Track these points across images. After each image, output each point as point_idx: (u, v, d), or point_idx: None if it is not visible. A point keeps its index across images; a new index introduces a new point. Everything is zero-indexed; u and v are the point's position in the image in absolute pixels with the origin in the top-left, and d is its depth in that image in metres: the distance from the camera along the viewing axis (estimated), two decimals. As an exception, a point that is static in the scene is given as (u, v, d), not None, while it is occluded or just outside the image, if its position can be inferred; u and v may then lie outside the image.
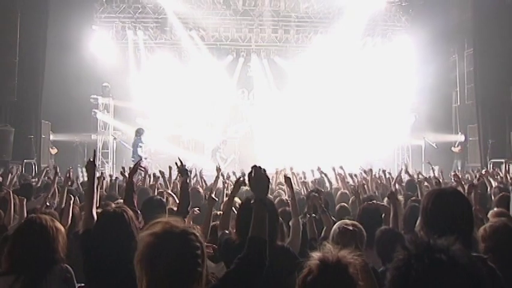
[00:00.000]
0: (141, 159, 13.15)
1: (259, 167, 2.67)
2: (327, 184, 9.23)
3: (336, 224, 3.85)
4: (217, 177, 8.23)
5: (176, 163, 4.79)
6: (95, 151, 4.51)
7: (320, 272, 2.06)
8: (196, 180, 9.53)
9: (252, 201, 2.60)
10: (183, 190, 4.59)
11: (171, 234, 2.03)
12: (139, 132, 14.93)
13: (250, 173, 2.65)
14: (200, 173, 10.00)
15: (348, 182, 9.14)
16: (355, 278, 2.09)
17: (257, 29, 19.25)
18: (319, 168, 10.21)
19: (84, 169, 16.86)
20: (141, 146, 14.79)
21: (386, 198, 6.04)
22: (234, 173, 9.88)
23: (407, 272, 1.40)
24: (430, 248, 1.43)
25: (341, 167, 9.95)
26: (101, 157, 18.43)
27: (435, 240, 1.45)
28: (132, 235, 3.31)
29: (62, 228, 3.48)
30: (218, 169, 8.79)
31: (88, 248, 3.45)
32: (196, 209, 5.14)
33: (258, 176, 2.62)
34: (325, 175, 9.64)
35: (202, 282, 2.07)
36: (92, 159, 4.04)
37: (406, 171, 10.18)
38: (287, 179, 4.81)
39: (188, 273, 2.03)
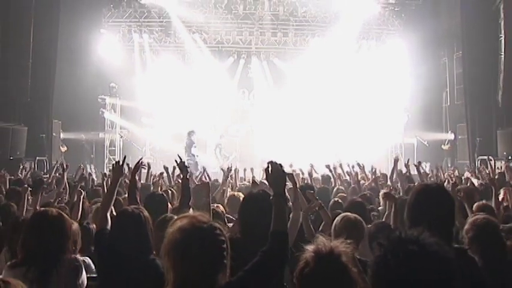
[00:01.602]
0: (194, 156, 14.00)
1: (276, 162, 2.66)
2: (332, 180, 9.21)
3: (339, 216, 3.86)
4: (225, 180, 7.87)
5: (176, 160, 4.74)
6: (125, 156, 4.45)
7: (316, 264, 2.10)
8: (200, 177, 9.45)
9: (271, 197, 2.61)
10: (183, 186, 4.52)
11: (199, 228, 2.08)
12: (190, 134, 16.12)
13: (267, 169, 2.64)
14: (205, 170, 9.94)
15: (345, 179, 9.17)
16: (348, 266, 2.14)
17: (257, 32, 19.25)
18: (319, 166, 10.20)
19: (92, 166, 17.03)
20: (195, 146, 16.09)
21: (381, 197, 6.08)
22: (236, 170, 9.84)
23: (385, 266, 1.46)
24: (402, 241, 1.48)
25: (334, 167, 9.92)
26: (108, 154, 18.52)
27: (406, 233, 1.50)
28: (147, 235, 3.36)
29: (69, 220, 3.50)
30: (224, 170, 8.63)
31: (103, 245, 3.47)
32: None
33: (276, 171, 2.61)
34: (331, 171, 9.57)
35: (226, 273, 2.14)
36: (121, 163, 4.03)
37: (407, 165, 10.02)
38: (290, 175, 4.80)
39: (215, 265, 2.09)
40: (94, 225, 4.36)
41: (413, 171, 9.46)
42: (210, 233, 2.09)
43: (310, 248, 2.15)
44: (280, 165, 2.66)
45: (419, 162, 9.37)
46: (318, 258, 2.10)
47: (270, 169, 2.63)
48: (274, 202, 2.52)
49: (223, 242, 2.12)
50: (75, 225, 3.77)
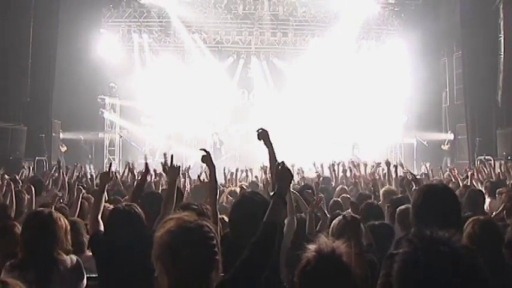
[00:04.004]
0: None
1: (286, 165, 2.65)
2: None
3: (337, 218, 3.83)
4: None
5: (161, 162, 4.60)
6: (111, 164, 4.48)
7: (317, 263, 2.10)
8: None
9: (272, 193, 2.59)
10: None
11: (186, 229, 2.05)
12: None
13: (277, 166, 2.64)
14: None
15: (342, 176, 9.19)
16: (350, 266, 2.14)
17: (257, 32, 19.25)
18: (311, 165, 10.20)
19: (92, 165, 17.00)
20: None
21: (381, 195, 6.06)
22: (237, 170, 9.83)
23: (415, 263, 1.45)
24: (434, 241, 1.47)
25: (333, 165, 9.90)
26: (107, 154, 18.50)
27: (437, 233, 1.50)
28: (142, 230, 3.35)
29: (66, 220, 3.50)
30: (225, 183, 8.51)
31: (99, 247, 3.52)
32: None
33: (285, 172, 2.60)
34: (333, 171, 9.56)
35: (219, 269, 2.12)
36: (107, 170, 4.09)
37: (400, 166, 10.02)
38: None
39: (207, 263, 2.07)
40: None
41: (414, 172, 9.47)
42: (198, 232, 2.07)
43: (312, 247, 2.15)
44: (288, 169, 2.64)
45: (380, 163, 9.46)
46: (319, 257, 2.11)
47: (280, 167, 2.61)
48: (274, 200, 2.49)
49: (212, 238, 2.10)
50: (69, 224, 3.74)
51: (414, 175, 7.08)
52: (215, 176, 3.75)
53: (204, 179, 7.10)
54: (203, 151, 3.89)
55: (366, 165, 10.03)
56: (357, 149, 17.10)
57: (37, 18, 14.84)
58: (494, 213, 5.53)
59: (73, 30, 16.81)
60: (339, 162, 10.00)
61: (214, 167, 3.79)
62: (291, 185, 5.39)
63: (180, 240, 2.02)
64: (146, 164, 4.88)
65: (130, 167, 9.09)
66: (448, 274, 1.40)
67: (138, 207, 3.58)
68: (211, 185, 3.69)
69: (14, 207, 5.08)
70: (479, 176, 8.94)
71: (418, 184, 5.28)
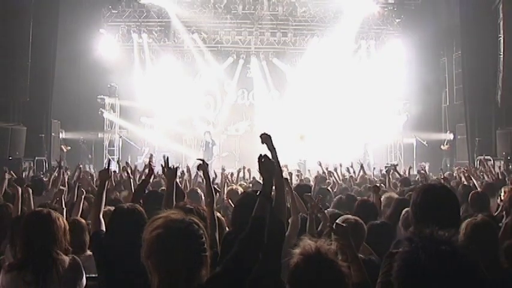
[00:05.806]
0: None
1: (268, 158, 2.70)
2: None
3: (340, 219, 3.82)
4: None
5: (161, 164, 4.59)
6: (109, 161, 4.48)
7: (305, 265, 2.14)
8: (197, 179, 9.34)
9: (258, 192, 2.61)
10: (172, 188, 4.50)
11: (174, 227, 2.05)
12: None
13: (260, 159, 2.66)
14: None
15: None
16: (336, 261, 2.19)
17: (256, 32, 19.24)
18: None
19: (92, 165, 16.99)
20: None
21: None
22: (239, 170, 9.85)
23: (415, 263, 1.46)
24: (434, 240, 1.48)
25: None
26: (107, 154, 18.49)
27: (437, 233, 1.51)
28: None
29: (65, 220, 3.49)
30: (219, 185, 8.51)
31: (99, 247, 3.53)
32: None
33: (268, 164, 2.65)
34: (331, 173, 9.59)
35: (208, 265, 2.12)
36: (106, 168, 4.07)
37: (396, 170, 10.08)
38: (285, 180, 4.77)
39: (196, 259, 2.07)
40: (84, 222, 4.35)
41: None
42: (186, 229, 2.07)
43: (297, 251, 2.20)
44: (272, 161, 2.67)
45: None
46: (306, 259, 2.15)
47: (263, 162, 2.64)
48: (259, 200, 2.50)
49: (200, 235, 2.10)
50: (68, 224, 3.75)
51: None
52: (211, 184, 3.79)
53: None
54: (200, 160, 3.98)
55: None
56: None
57: (37, 18, 14.83)
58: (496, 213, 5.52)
59: (73, 30, 16.84)
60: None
61: (209, 178, 3.86)
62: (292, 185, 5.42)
63: (168, 239, 2.02)
64: (150, 164, 4.88)
65: (131, 168, 9.07)
66: (448, 273, 1.40)
67: (140, 207, 3.59)
68: (207, 192, 3.73)
69: (19, 206, 5.07)
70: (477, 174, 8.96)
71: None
